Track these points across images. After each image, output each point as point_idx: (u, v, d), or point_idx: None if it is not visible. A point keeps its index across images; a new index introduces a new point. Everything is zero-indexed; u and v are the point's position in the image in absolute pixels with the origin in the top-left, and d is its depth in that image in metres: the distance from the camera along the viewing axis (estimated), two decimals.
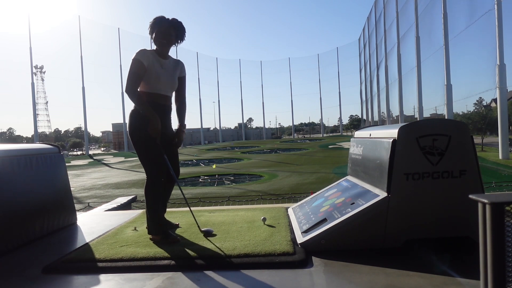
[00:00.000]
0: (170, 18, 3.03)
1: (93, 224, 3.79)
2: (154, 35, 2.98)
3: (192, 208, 3.42)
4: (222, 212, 4.02)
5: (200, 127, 55.40)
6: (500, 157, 13.08)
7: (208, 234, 3.04)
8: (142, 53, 2.90)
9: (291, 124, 64.85)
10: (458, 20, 16.93)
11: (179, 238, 2.93)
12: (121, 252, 2.64)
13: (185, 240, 2.91)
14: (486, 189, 5.04)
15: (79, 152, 50.88)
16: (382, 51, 32.06)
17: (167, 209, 3.44)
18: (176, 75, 3.12)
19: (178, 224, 3.11)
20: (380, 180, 2.73)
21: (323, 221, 2.83)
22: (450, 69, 17.04)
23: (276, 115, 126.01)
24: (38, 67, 77.95)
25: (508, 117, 14.48)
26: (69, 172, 4.04)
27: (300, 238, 2.75)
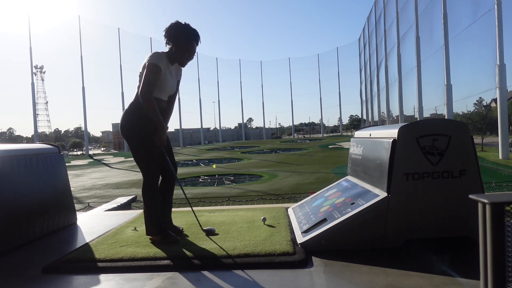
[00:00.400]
0: (188, 25, 2.95)
1: (93, 224, 3.79)
2: (175, 47, 2.93)
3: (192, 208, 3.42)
4: (222, 212, 4.02)
5: (200, 127, 55.38)
6: (500, 157, 13.09)
7: (210, 233, 3.05)
8: (159, 57, 2.86)
9: (291, 124, 64.88)
10: (458, 20, 16.94)
11: (179, 238, 2.92)
12: (121, 252, 2.64)
13: (185, 240, 2.91)
14: (486, 189, 5.05)
15: (79, 152, 50.89)
16: (382, 51, 32.07)
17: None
18: (176, 80, 3.14)
19: (182, 229, 3.11)
20: (380, 180, 2.73)
21: (323, 221, 2.83)
22: (450, 69, 17.05)
23: (276, 115, 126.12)
24: (38, 67, 77.94)
25: (508, 117, 14.48)
26: (69, 172, 4.04)
27: (300, 238, 2.75)
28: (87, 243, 2.95)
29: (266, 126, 67.17)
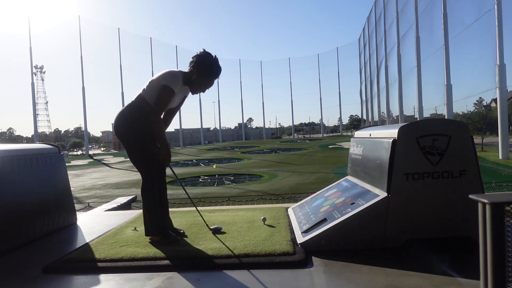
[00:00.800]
0: (217, 62, 2.98)
1: (93, 224, 3.79)
2: (198, 77, 2.94)
3: (192, 208, 3.42)
4: (222, 212, 4.02)
5: (200, 127, 55.38)
6: (500, 157, 13.07)
7: (216, 231, 3.09)
8: (176, 80, 2.88)
9: (291, 124, 64.83)
10: (458, 20, 16.94)
11: (179, 238, 2.92)
12: (121, 252, 2.64)
13: (185, 240, 2.91)
14: (486, 189, 5.04)
15: (79, 152, 50.88)
16: (382, 51, 32.05)
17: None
18: (183, 96, 3.16)
19: (183, 231, 3.11)
20: (380, 180, 2.73)
21: (323, 221, 2.83)
22: (450, 69, 17.03)
23: (276, 115, 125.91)
24: (38, 67, 77.91)
25: (508, 117, 14.48)
26: (69, 172, 4.04)
27: (300, 238, 2.75)
28: (87, 243, 2.95)
29: (266, 126, 67.14)
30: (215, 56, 2.99)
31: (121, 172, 16.56)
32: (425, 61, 20.73)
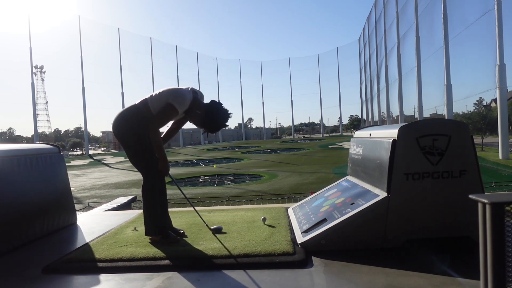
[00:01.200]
0: (226, 117, 3.01)
1: (93, 224, 3.79)
2: (201, 119, 2.96)
3: (192, 208, 3.42)
4: (222, 212, 4.02)
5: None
6: (500, 157, 13.07)
7: (217, 231, 3.10)
8: (182, 102, 2.88)
9: (291, 124, 64.80)
10: (458, 20, 16.94)
11: (179, 238, 2.93)
12: (121, 252, 2.64)
13: (185, 240, 2.91)
14: (486, 189, 5.04)
15: (79, 152, 50.87)
16: (382, 51, 32.04)
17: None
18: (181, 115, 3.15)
19: (183, 231, 3.11)
20: (380, 180, 2.73)
21: (323, 221, 2.83)
22: (450, 69, 17.02)
23: (276, 115, 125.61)
24: (38, 67, 77.80)
25: (508, 117, 14.47)
26: (69, 172, 4.04)
27: (300, 238, 2.75)
28: (87, 243, 2.95)
29: (266, 126, 67.12)
30: (229, 114, 2.99)
31: (121, 172, 16.56)
32: (425, 61, 20.73)
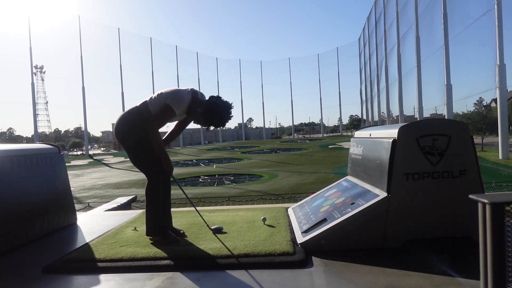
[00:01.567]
0: (228, 115, 3.00)
1: (93, 224, 3.79)
2: (212, 117, 2.96)
3: (192, 208, 3.42)
4: (222, 212, 4.02)
5: (200, 127, 55.32)
6: (500, 157, 13.08)
7: (218, 231, 3.09)
8: (180, 103, 2.89)
9: (291, 124, 64.82)
10: (458, 20, 16.94)
11: (179, 238, 2.93)
12: (121, 252, 2.64)
13: (185, 240, 2.91)
14: (486, 189, 5.04)
15: (79, 152, 50.87)
16: (382, 51, 32.05)
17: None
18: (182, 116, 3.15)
19: (183, 231, 3.11)
20: (380, 180, 2.73)
21: (323, 221, 2.83)
22: (450, 69, 17.03)
23: (276, 115, 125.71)
24: (38, 67, 77.82)
25: (508, 117, 14.48)
26: (69, 172, 4.04)
27: (300, 238, 2.75)
28: (87, 243, 2.95)
29: (266, 126, 67.15)
30: (231, 105, 2.98)
31: (121, 172, 16.56)
32: (425, 61, 20.74)
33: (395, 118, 29.89)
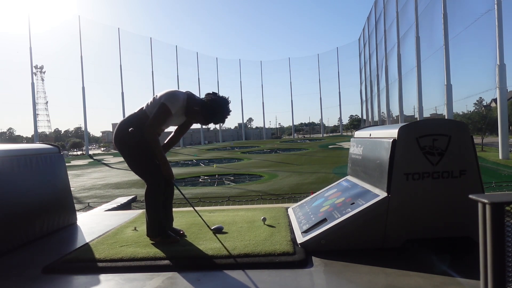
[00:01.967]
0: (227, 112, 2.98)
1: (93, 224, 3.79)
2: (210, 113, 2.94)
3: (192, 209, 3.42)
4: (222, 212, 4.02)
5: (200, 127, 55.40)
6: (500, 157, 13.09)
7: (218, 231, 3.09)
8: (175, 102, 2.87)
9: (291, 124, 64.87)
10: (458, 20, 16.94)
11: (179, 239, 2.92)
12: (121, 252, 2.64)
13: (185, 240, 2.91)
14: (486, 189, 5.04)
15: (79, 152, 50.84)
16: (382, 51, 32.06)
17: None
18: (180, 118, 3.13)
19: (183, 232, 3.11)
20: (380, 180, 2.73)
21: (323, 221, 2.82)
22: (450, 69, 17.04)
23: (276, 115, 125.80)
24: (38, 67, 77.79)
25: (508, 117, 14.47)
26: (69, 172, 4.04)
27: (300, 238, 2.75)
28: (87, 243, 2.95)
29: (266, 126, 67.18)
30: (227, 100, 2.97)
31: (121, 172, 16.56)
32: (425, 61, 20.76)
33: (395, 118, 29.90)
